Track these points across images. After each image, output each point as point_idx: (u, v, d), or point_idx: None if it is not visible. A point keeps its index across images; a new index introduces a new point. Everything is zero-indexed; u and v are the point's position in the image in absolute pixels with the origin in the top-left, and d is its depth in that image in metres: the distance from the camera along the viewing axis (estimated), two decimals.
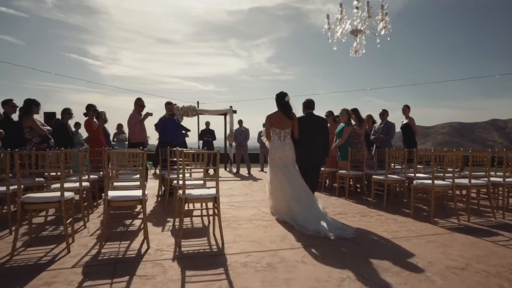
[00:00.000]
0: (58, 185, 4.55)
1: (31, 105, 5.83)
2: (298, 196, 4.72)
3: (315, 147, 5.17)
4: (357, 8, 4.82)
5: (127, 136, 8.13)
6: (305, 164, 5.15)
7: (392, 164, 7.33)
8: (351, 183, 7.23)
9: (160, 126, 7.05)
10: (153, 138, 9.79)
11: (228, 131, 12.82)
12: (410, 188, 5.50)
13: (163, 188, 6.60)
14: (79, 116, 7.33)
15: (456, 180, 5.07)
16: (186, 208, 5.50)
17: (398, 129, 7.87)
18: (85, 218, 4.59)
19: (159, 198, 6.60)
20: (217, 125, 13.92)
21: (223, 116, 13.38)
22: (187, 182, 4.57)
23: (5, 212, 4.49)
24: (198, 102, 20.87)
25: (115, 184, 4.49)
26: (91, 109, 6.65)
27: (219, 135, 13.19)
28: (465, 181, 5.17)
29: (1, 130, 5.61)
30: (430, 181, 4.83)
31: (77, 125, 9.41)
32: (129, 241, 3.82)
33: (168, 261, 3.23)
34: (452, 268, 3.08)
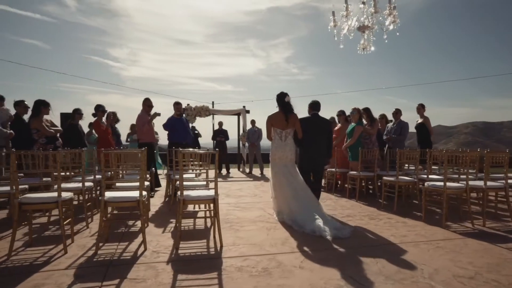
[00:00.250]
0: (64, 185, 4.60)
1: (40, 106, 5.91)
2: (297, 196, 4.71)
3: (318, 148, 5.15)
4: (363, 3, 4.63)
5: None
6: (307, 164, 5.14)
7: (406, 165, 7.08)
8: (363, 184, 7.01)
9: (168, 126, 7.04)
10: (164, 138, 9.86)
11: (241, 131, 12.76)
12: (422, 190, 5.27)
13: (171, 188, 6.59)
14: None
15: (471, 182, 4.81)
16: (191, 209, 5.51)
17: (412, 129, 7.60)
18: (88, 219, 4.59)
19: (167, 199, 6.59)
20: (231, 125, 13.87)
21: (236, 116, 13.33)
22: (186, 183, 4.55)
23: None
24: (213, 102, 20.95)
25: (117, 184, 4.47)
26: (99, 110, 6.70)
27: (233, 135, 13.15)
28: (481, 183, 4.89)
29: (11, 131, 5.72)
30: (442, 183, 4.59)
31: (92, 125, 9.54)
32: (127, 242, 3.78)
33: (163, 264, 3.16)
34: (459, 277, 2.89)
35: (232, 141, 13.81)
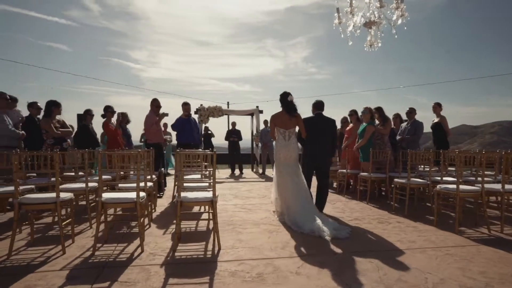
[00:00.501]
0: (68, 185, 4.65)
1: (51, 107, 6.00)
2: (299, 196, 4.71)
3: (322, 148, 5.15)
4: None
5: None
6: (310, 164, 5.15)
7: (421, 167, 6.80)
8: (375, 186, 6.78)
9: (176, 126, 7.03)
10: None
11: (254, 132, 12.69)
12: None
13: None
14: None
15: (488, 185, 4.54)
16: (196, 210, 5.46)
17: (428, 129, 7.31)
18: (92, 220, 4.60)
19: (174, 200, 6.57)
20: (246, 125, 13.79)
21: (250, 117, 13.26)
22: (187, 184, 4.50)
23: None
24: (228, 102, 20.94)
25: (119, 185, 4.47)
26: (108, 111, 6.76)
27: (247, 135, 13.10)
28: (499, 186, 4.61)
29: (23, 132, 5.83)
30: (454, 186, 4.35)
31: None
32: (126, 243, 3.76)
33: (156, 266, 3.11)
34: None
35: (246, 142, 13.76)
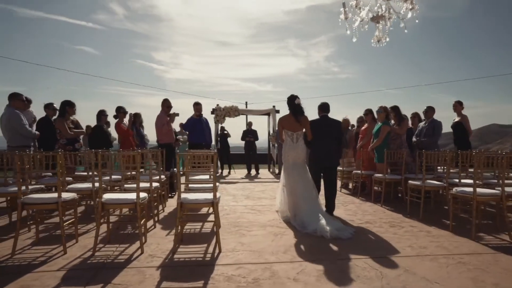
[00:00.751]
0: (76, 185, 4.71)
1: (65, 107, 6.11)
2: (307, 196, 4.75)
3: (328, 150, 5.13)
4: None
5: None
6: (316, 165, 5.16)
7: (440, 168, 6.49)
8: (390, 188, 6.53)
9: (188, 127, 7.02)
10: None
11: (271, 131, 12.57)
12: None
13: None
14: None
15: (509, 189, 4.25)
16: (204, 211, 5.43)
17: (448, 128, 6.98)
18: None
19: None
20: (262, 125, 13.64)
21: (267, 116, 13.15)
22: (192, 185, 4.45)
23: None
24: (246, 102, 20.90)
25: (125, 186, 4.48)
26: (120, 111, 6.83)
27: (263, 135, 12.99)
28: None
29: (37, 132, 5.97)
30: (471, 189, 4.09)
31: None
32: (128, 244, 3.75)
33: (153, 269, 3.07)
34: None
35: (263, 142, 13.66)
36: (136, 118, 7.71)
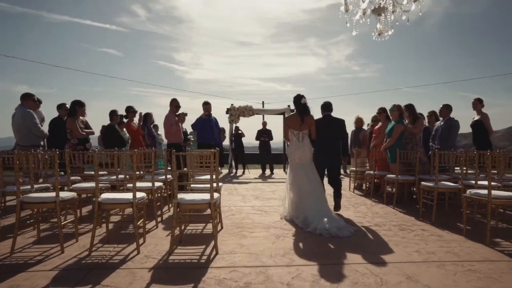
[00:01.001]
0: (80, 184, 4.73)
1: (75, 106, 6.19)
2: (314, 194, 4.78)
3: (330, 148, 5.23)
4: None
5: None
6: (320, 163, 5.20)
7: (457, 169, 6.17)
8: (403, 189, 6.26)
9: (197, 126, 6.99)
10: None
11: None
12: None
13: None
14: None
15: None
16: (208, 212, 5.35)
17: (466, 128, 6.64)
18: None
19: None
20: (277, 125, 13.49)
21: (282, 116, 13.00)
22: (194, 185, 4.38)
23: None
24: (263, 102, 20.77)
25: (128, 185, 4.46)
26: (130, 111, 6.86)
27: (278, 135, 12.86)
28: None
29: (47, 132, 6.08)
30: (486, 191, 3.82)
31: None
32: (126, 244, 3.72)
33: (145, 270, 3.01)
34: None
35: (279, 142, 13.52)
36: (148, 118, 7.75)
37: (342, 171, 11.81)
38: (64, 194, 3.62)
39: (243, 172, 11.94)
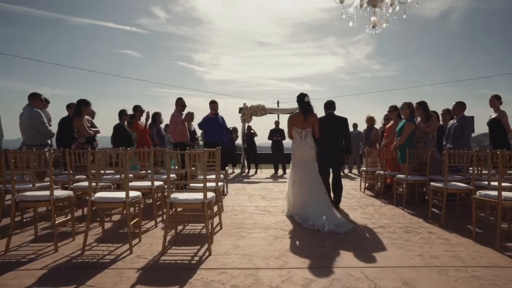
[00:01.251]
0: (81, 183, 4.76)
1: (81, 106, 6.24)
2: (315, 192, 4.79)
3: (333, 147, 5.28)
4: None
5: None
6: (323, 161, 5.24)
7: (471, 169, 5.87)
8: (414, 189, 6.01)
9: (204, 125, 6.95)
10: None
11: None
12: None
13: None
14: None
15: None
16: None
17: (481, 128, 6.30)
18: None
19: None
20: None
21: None
22: (193, 185, 4.33)
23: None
24: (278, 101, 20.62)
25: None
26: (137, 110, 6.88)
27: None
28: None
29: (53, 132, 6.17)
30: (496, 193, 3.59)
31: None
32: (121, 244, 3.68)
33: (133, 271, 2.96)
34: None
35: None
36: (156, 117, 7.76)
37: (347, 171, 11.60)
38: (59, 193, 3.62)
39: (256, 172, 11.85)
